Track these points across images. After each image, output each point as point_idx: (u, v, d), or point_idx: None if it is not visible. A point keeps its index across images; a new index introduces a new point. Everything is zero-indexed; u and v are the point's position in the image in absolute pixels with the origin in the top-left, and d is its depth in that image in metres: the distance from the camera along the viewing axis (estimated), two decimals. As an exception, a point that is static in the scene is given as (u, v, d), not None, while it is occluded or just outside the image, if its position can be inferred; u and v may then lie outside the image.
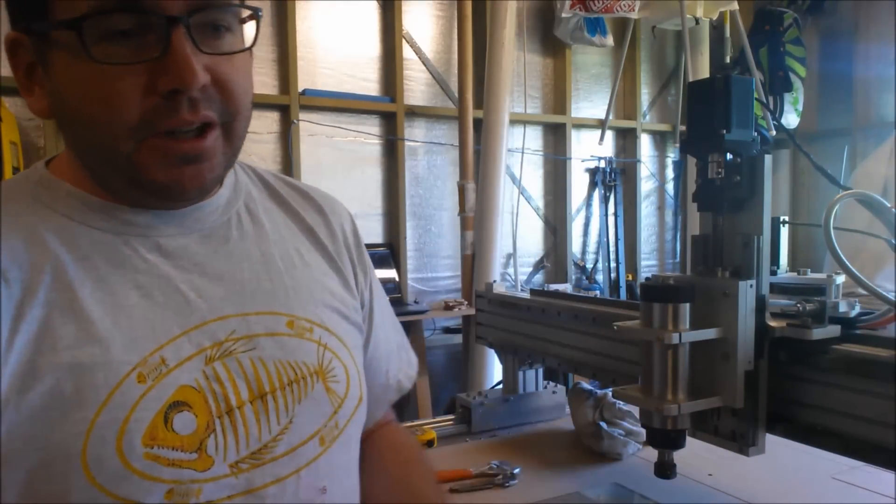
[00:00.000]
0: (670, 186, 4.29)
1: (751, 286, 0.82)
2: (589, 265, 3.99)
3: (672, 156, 4.26)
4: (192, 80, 0.53)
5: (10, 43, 0.58)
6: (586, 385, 1.35)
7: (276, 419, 0.60)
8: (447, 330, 3.47)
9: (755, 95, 0.85)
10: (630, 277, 3.98)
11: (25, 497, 0.52)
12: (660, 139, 4.24)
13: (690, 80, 3.22)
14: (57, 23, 0.53)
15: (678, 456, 0.87)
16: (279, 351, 0.62)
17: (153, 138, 0.55)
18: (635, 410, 1.25)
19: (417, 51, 3.38)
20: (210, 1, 0.55)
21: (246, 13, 0.59)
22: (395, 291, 3.20)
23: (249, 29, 0.60)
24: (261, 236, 0.68)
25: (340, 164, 3.22)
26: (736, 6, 3.58)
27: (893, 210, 0.93)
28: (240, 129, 0.61)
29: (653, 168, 4.21)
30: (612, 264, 3.96)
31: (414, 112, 3.35)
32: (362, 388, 0.70)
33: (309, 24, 3.11)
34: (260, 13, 0.60)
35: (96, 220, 0.60)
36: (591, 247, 4.01)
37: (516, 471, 1.15)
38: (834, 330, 0.80)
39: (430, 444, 1.30)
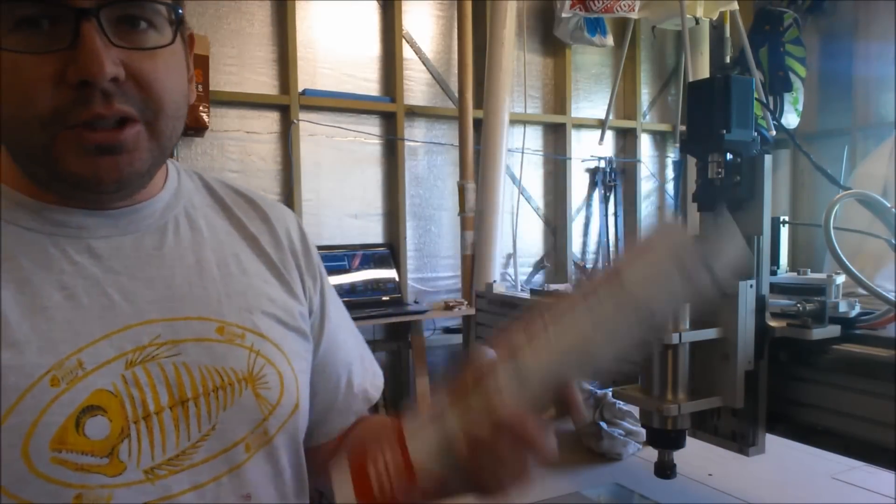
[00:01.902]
0: (670, 186, 4.29)
1: (751, 286, 0.82)
2: (589, 265, 3.99)
3: (672, 156, 4.26)
4: (100, 71, 0.52)
5: None
6: (586, 385, 1.35)
7: (198, 425, 0.59)
8: (447, 330, 3.47)
9: (755, 95, 0.85)
10: (630, 277, 3.97)
11: None
12: (660, 139, 4.24)
13: (690, 80, 3.22)
14: None
15: (678, 456, 0.87)
16: (206, 357, 0.61)
17: (67, 130, 0.54)
18: (635, 410, 1.25)
19: (417, 51, 3.38)
20: None
21: (166, 4, 0.57)
22: (395, 291, 3.20)
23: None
24: (198, 242, 0.67)
25: (340, 164, 3.22)
26: (736, 6, 3.57)
27: (893, 210, 0.93)
28: (165, 127, 0.59)
29: (653, 168, 4.21)
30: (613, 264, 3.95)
31: (414, 112, 3.35)
32: (299, 396, 0.68)
33: (309, 24, 3.11)
34: (179, 11, 0.59)
35: (27, 219, 0.59)
36: (592, 247, 4.01)
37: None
38: (834, 330, 0.80)
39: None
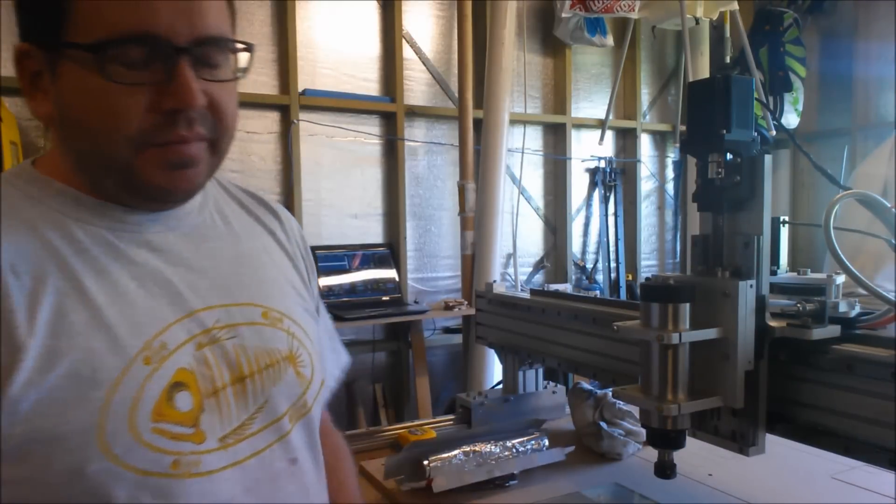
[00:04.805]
0: (670, 186, 4.29)
1: (751, 286, 0.82)
2: (589, 265, 3.99)
3: (672, 156, 4.27)
4: (194, 102, 0.61)
5: (20, 53, 0.64)
6: (586, 385, 1.35)
7: (254, 399, 0.67)
8: (447, 330, 3.47)
9: (755, 95, 0.85)
10: (630, 277, 3.98)
11: (43, 469, 0.56)
12: (660, 139, 4.24)
13: (690, 80, 3.22)
14: (78, 45, 0.59)
15: (678, 456, 0.87)
16: (257, 338, 0.69)
17: (152, 148, 0.62)
18: (635, 410, 1.25)
19: (417, 51, 3.38)
20: (211, 37, 0.63)
21: (240, 46, 0.67)
22: (395, 291, 3.20)
23: (241, 58, 0.68)
24: (232, 236, 0.76)
25: (340, 164, 3.22)
26: (736, 6, 3.58)
27: (893, 210, 0.93)
28: (225, 145, 0.68)
29: (653, 168, 4.21)
30: (612, 264, 3.96)
31: (414, 112, 3.35)
32: (324, 373, 0.78)
33: (309, 24, 3.12)
34: (253, 48, 0.68)
35: (88, 216, 0.65)
36: (591, 247, 4.01)
37: (516, 471, 1.15)
38: (834, 330, 0.80)
39: (430, 444, 1.30)
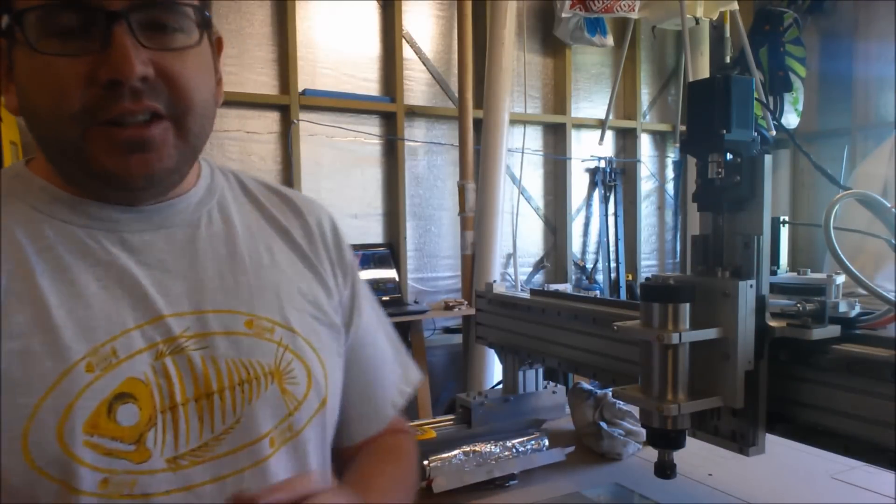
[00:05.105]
0: (670, 186, 4.29)
1: (751, 286, 0.82)
2: (589, 265, 3.99)
3: (672, 156, 4.26)
4: (130, 70, 0.55)
5: None
6: (586, 385, 1.35)
7: (222, 418, 0.60)
8: (447, 330, 3.47)
9: (755, 95, 0.85)
10: (630, 277, 3.98)
11: None
12: (660, 139, 4.24)
13: (690, 80, 3.22)
14: (8, 16, 0.56)
15: (678, 456, 0.87)
16: (233, 350, 0.62)
17: (97, 126, 0.57)
18: (635, 410, 1.25)
19: (417, 51, 3.38)
20: None
21: (190, 6, 0.60)
22: (395, 291, 3.20)
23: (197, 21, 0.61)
24: (230, 236, 0.69)
25: (340, 164, 3.22)
26: (736, 6, 3.58)
27: (893, 210, 0.93)
28: (193, 124, 0.61)
29: (653, 168, 4.21)
30: (612, 264, 3.96)
31: (414, 112, 3.35)
32: (328, 392, 0.68)
33: (309, 24, 3.12)
34: (207, 14, 0.61)
35: (63, 212, 0.61)
36: (591, 247, 4.01)
37: (516, 471, 1.15)
38: (834, 330, 0.80)
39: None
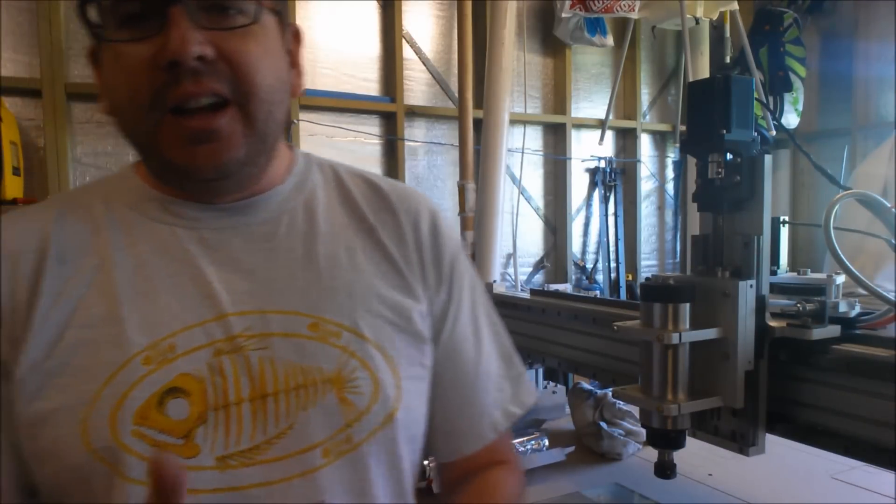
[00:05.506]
0: (670, 186, 4.29)
1: (751, 286, 0.82)
2: (589, 265, 3.99)
3: (672, 156, 4.26)
4: (185, 50, 0.54)
5: (90, 54, 0.63)
6: (586, 385, 1.35)
7: (275, 422, 0.58)
8: (447, 330, 3.47)
9: (755, 95, 0.85)
10: (630, 277, 3.98)
11: (28, 447, 0.57)
12: (660, 139, 4.24)
13: (690, 80, 3.22)
14: (85, 15, 0.58)
15: (678, 456, 0.87)
16: (292, 353, 0.60)
17: (167, 117, 0.57)
18: (635, 410, 1.25)
19: (417, 51, 3.38)
20: None
21: None
22: (395, 291, 3.20)
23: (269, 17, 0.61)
24: (310, 235, 0.66)
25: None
26: (736, 6, 3.57)
27: (893, 210, 0.93)
28: (259, 111, 0.60)
29: (653, 168, 4.21)
30: (612, 264, 3.95)
31: (414, 112, 3.35)
32: (400, 404, 0.63)
33: (309, 24, 3.11)
34: None
35: (151, 210, 0.64)
36: (591, 247, 4.01)
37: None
38: (834, 330, 0.80)
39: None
